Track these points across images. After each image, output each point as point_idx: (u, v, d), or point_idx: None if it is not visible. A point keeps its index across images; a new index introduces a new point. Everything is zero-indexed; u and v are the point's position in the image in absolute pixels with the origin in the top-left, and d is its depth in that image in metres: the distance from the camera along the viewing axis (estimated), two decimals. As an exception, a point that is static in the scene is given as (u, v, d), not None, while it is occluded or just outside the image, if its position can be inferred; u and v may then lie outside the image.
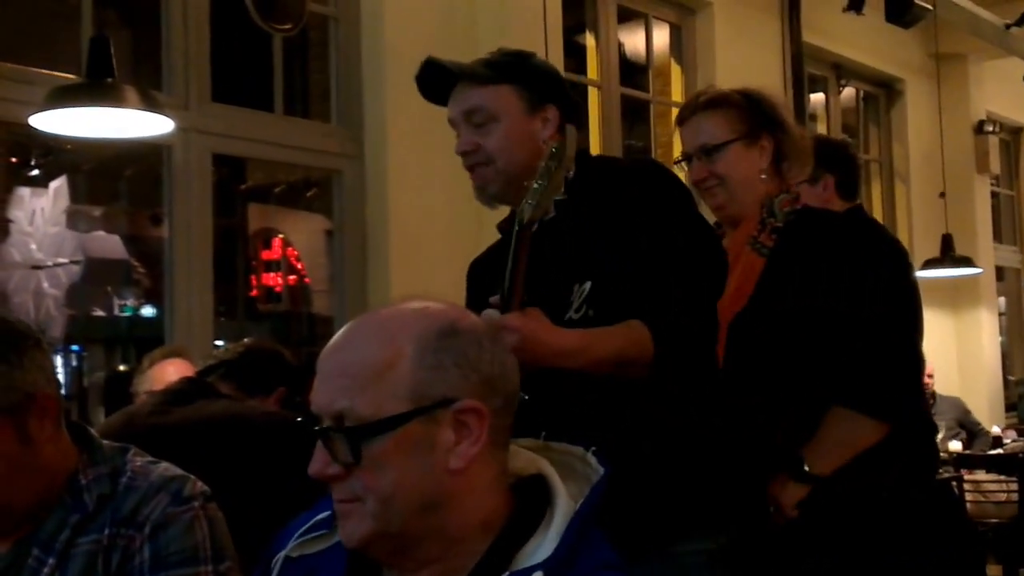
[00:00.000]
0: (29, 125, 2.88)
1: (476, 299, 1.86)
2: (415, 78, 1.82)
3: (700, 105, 2.13)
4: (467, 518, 1.10)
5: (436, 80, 1.79)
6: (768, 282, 2.00)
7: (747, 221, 2.07)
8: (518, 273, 1.50)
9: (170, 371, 2.71)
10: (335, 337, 1.14)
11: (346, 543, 1.11)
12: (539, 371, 1.46)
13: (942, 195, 6.62)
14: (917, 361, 2.05)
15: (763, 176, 2.07)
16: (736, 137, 2.07)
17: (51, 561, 1.32)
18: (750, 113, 2.08)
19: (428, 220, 4.11)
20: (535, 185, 1.50)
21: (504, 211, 1.88)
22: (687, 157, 2.14)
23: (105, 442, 1.44)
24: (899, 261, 2.15)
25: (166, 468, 1.44)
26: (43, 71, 3.34)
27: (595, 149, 5.16)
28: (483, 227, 4.26)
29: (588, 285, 1.67)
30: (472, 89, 1.76)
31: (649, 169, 1.80)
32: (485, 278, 1.86)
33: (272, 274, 7.94)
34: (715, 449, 1.69)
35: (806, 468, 1.93)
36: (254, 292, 7.92)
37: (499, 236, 1.94)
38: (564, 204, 1.69)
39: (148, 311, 7.01)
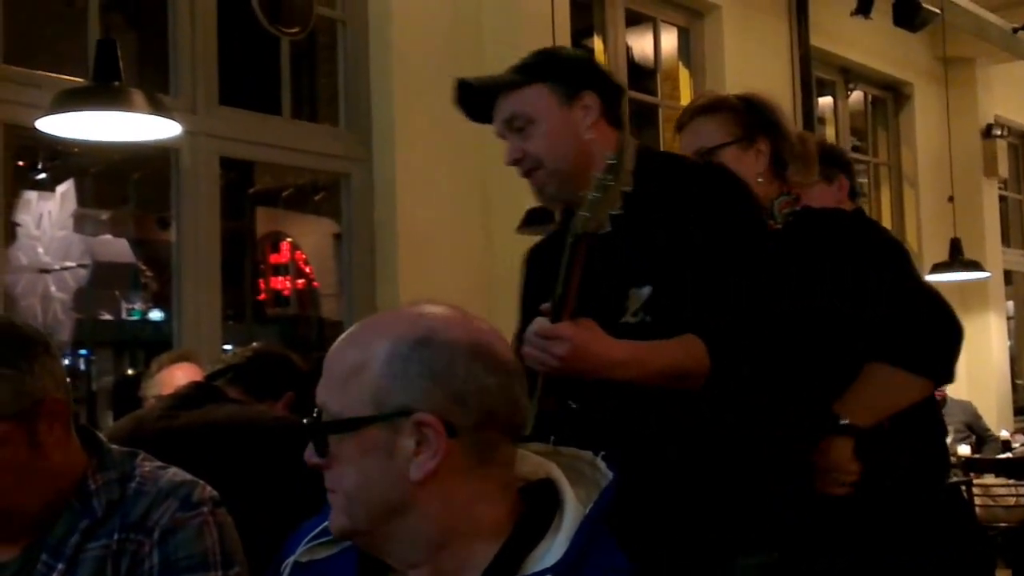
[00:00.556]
0: (36, 128, 2.88)
1: (530, 289, 1.87)
2: (455, 103, 1.80)
3: (697, 110, 2.14)
4: (442, 527, 1.09)
5: (474, 99, 1.79)
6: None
7: None
8: (572, 284, 1.48)
9: (178, 375, 2.70)
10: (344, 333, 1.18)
11: (332, 532, 1.15)
12: (590, 381, 1.46)
13: (950, 199, 6.60)
14: (956, 321, 2.04)
15: (760, 179, 2.07)
16: (731, 140, 2.07)
17: (60, 567, 1.32)
18: (746, 117, 2.09)
19: (436, 223, 4.10)
20: (589, 196, 1.48)
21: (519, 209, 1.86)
22: None
23: (114, 447, 1.44)
24: (905, 260, 2.15)
25: (175, 473, 1.44)
26: (50, 74, 3.34)
27: (603, 153, 5.14)
28: (491, 230, 4.28)
29: (647, 290, 1.63)
30: (505, 98, 1.75)
31: (715, 172, 1.78)
32: (539, 270, 1.85)
33: (280, 278, 7.94)
34: (741, 454, 1.67)
35: (844, 421, 1.92)
36: (262, 296, 7.92)
37: (509, 240, 1.92)
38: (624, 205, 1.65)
39: (156, 315, 7.01)
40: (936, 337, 1.98)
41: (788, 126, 2.13)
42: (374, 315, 1.20)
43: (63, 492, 1.35)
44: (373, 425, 1.08)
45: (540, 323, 1.51)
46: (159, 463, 1.45)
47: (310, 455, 1.12)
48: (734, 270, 1.63)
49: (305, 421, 1.12)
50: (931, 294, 2.07)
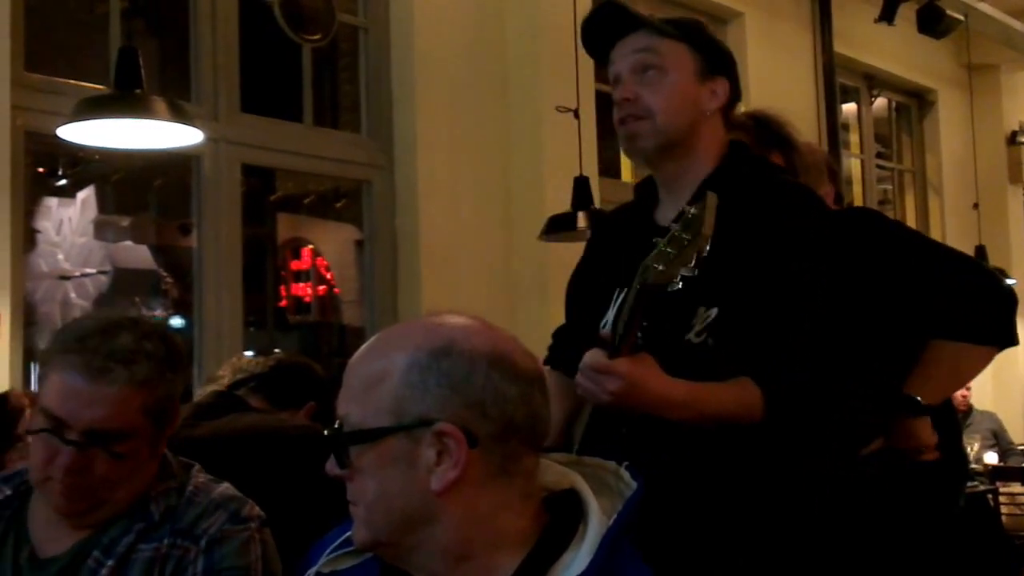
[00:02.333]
0: (57, 136, 2.88)
1: (589, 265, 1.84)
2: (583, 21, 1.71)
3: None
4: (464, 537, 1.08)
5: (606, 27, 1.69)
6: None
7: None
8: (633, 329, 1.44)
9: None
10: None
11: (355, 544, 1.14)
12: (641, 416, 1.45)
13: (975, 206, 6.57)
14: (1002, 283, 2.04)
15: None
16: None
17: (110, 563, 1.36)
18: (757, 133, 2.07)
19: (458, 229, 4.09)
20: (663, 248, 1.39)
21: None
22: None
23: (172, 457, 1.48)
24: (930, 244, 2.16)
25: (227, 487, 1.48)
26: (71, 82, 3.35)
27: (625, 161, 5.12)
28: (512, 236, 4.26)
29: (715, 312, 1.56)
30: (646, 37, 1.66)
31: (804, 197, 1.69)
32: (604, 250, 1.80)
33: (301, 284, 7.95)
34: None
35: (922, 403, 1.94)
36: (283, 302, 7.93)
37: (531, 246, 1.90)
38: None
39: (175, 322, 7.02)
40: (990, 302, 1.97)
41: (798, 139, 2.12)
42: (394, 325, 1.19)
43: (140, 495, 1.41)
44: (393, 435, 1.07)
45: (595, 356, 1.47)
46: (212, 477, 1.48)
47: (331, 466, 1.12)
48: (805, 309, 1.56)
49: (326, 432, 1.11)
50: (972, 262, 2.09)
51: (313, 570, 1.21)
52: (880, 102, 6.85)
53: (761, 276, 1.56)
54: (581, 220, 3.52)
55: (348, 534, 1.19)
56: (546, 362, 1.89)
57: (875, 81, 6.66)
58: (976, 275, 2.02)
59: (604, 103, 4.93)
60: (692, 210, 1.40)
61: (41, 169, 6.44)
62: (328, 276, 7.96)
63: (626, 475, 1.15)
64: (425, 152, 4.05)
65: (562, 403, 1.79)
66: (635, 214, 1.78)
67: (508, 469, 1.09)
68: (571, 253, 2.04)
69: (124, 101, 2.78)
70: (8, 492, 1.45)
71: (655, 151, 1.67)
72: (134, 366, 1.34)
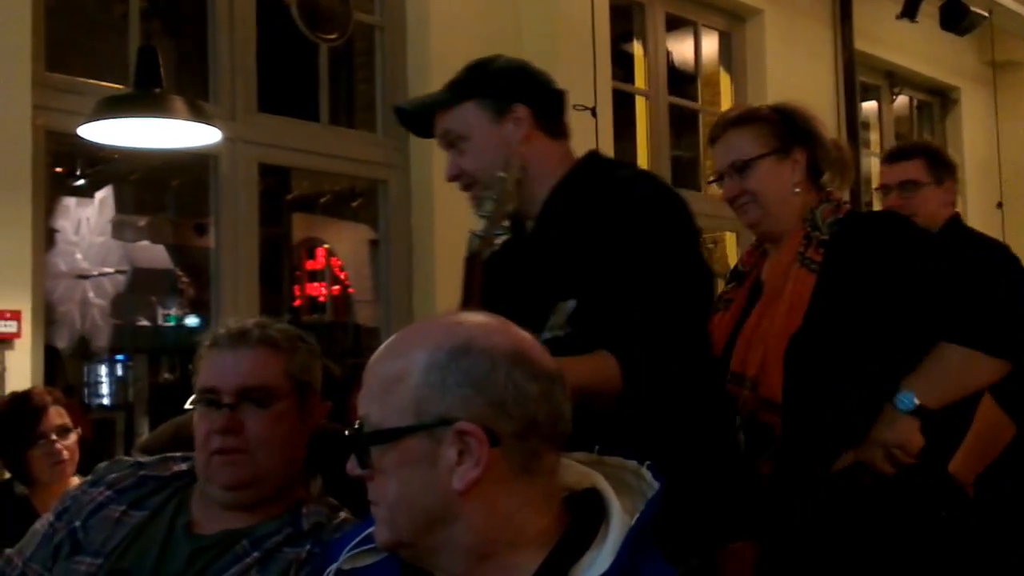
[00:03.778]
0: (75, 135, 2.89)
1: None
2: (402, 124, 1.89)
3: (730, 122, 2.10)
4: (487, 537, 1.08)
5: (416, 120, 1.85)
6: (824, 299, 1.93)
7: (791, 237, 2.02)
8: (470, 304, 1.51)
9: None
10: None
11: (376, 544, 1.14)
12: None
13: (999, 205, 6.50)
14: None
15: (797, 190, 2.04)
16: (767, 152, 2.04)
17: (256, 555, 1.47)
18: (782, 127, 2.05)
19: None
20: (480, 214, 1.54)
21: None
22: (719, 176, 2.11)
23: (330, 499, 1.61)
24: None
25: None
26: (90, 81, 3.35)
27: (643, 159, 5.10)
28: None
29: (572, 304, 1.64)
30: (440, 116, 1.79)
31: (644, 185, 1.76)
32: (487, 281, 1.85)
33: (315, 284, 7.96)
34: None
35: (916, 401, 1.85)
36: (297, 302, 7.94)
37: None
38: (551, 216, 1.72)
39: (192, 321, 7.03)
40: (1011, 315, 1.87)
41: (824, 134, 2.09)
42: (412, 325, 1.19)
43: (288, 486, 1.54)
44: (414, 435, 1.07)
45: None
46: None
47: (352, 467, 1.12)
48: (653, 285, 1.63)
49: (347, 432, 1.11)
50: (1003, 269, 2.02)
51: (334, 567, 1.21)
52: (901, 100, 6.79)
53: (606, 260, 1.63)
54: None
55: (368, 531, 1.20)
56: None
57: (896, 79, 6.60)
58: (1007, 284, 1.95)
59: (621, 102, 4.92)
60: (503, 175, 1.61)
61: (59, 169, 6.47)
62: (342, 276, 7.97)
63: (647, 474, 1.15)
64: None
65: None
66: (509, 247, 1.84)
67: (530, 468, 1.09)
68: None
69: (144, 100, 2.78)
70: (184, 467, 1.60)
71: (500, 201, 1.75)
72: (267, 330, 1.55)
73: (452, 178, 1.81)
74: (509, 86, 1.78)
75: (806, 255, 1.97)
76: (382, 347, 1.14)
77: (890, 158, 3.03)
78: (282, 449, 1.52)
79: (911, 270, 1.89)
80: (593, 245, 1.65)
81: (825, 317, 1.91)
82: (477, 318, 1.14)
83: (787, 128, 2.05)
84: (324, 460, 1.91)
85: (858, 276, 1.90)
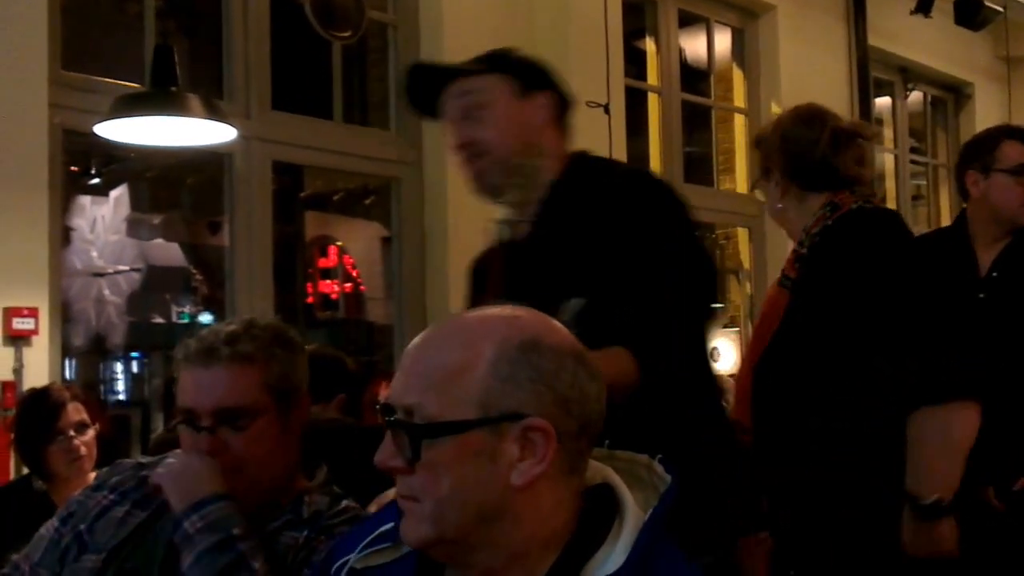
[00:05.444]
0: (90, 133, 2.91)
1: (473, 302, 1.87)
2: (405, 88, 1.81)
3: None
4: (529, 534, 1.06)
5: (426, 85, 1.77)
6: (790, 318, 1.91)
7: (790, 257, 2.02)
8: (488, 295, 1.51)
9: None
10: (423, 332, 1.12)
11: (405, 541, 1.10)
12: None
13: (1013, 202, 6.43)
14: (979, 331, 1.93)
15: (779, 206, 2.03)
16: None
17: (255, 539, 1.47)
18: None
19: (486, 227, 4.07)
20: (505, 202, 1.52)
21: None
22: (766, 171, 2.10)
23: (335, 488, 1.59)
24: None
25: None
26: (106, 80, 3.37)
27: (655, 156, 5.09)
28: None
29: (579, 302, 1.61)
30: (461, 83, 1.73)
31: (643, 182, 1.75)
32: (477, 282, 1.87)
33: (328, 282, 7.98)
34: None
35: (923, 502, 1.76)
36: (310, 300, 7.96)
37: None
38: (551, 214, 1.69)
39: (206, 318, 7.06)
40: (956, 350, 1.80)
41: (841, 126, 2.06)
42: (460, 316, 1.15)
43: (281, 491, 1.51)
44: (478, 429, 1.03)
45: None
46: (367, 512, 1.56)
47: (389, 458, 1.06)
48: (664, 283, 1.61)
49: (395, 423, 1.06)
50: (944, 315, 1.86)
51: (347, 566, 1.18)
52: (915, 96, 6.75)
53: (612, 257, 1.62)
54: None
55: (381, 530, 1.17)
56: None
57: (910, 74, 6.56)
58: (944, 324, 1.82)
59: (634, 98, 4.91)
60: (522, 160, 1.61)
61: (75, 168, 6.50)
62: (354, 274, 7.98)
63: (659, 468, 1.13)
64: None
65: None
66: (499, 249, 1.83)
67: (576, 467, 1.08)
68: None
69: (160, 98, 2.80)
70: None
71: (503, 178, 1.71)
72: (238, 344, 1.46)
73: (460, 147, 1.73)
74: (537, 73, 1.75)
75: (786, 273, 1.96)
76: (427, 337, 1.10)
77: None
78: (270, 463, 1.49)
79: (868, 285, 1.84)
80: (598, 243, 1.64)
81: (788, 337, 1.90)
82: (529, 314, 1.11)
83: None
84: (331, 453, 1.91)
85: (820, 290, 1.87)
